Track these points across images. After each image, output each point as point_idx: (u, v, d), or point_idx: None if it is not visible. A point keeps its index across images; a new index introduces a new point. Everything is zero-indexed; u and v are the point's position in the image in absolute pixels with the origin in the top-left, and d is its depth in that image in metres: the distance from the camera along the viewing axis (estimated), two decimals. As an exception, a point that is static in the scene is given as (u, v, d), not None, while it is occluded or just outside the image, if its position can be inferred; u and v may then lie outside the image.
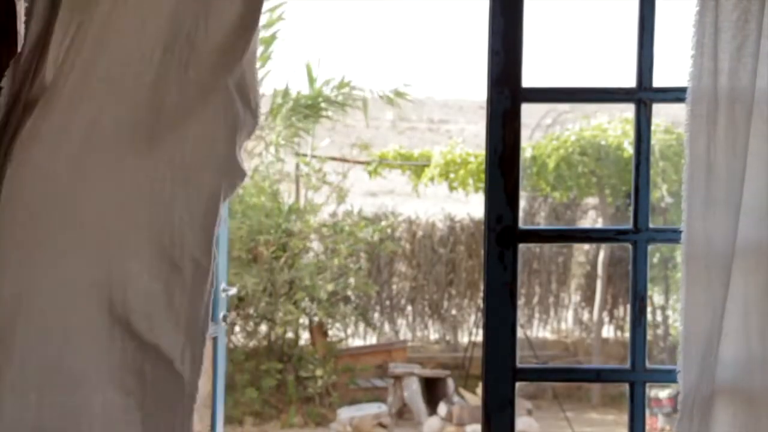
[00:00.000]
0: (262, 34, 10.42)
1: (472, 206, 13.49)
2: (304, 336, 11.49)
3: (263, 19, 10.50)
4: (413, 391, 10.62)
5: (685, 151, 2.43)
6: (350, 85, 11.40)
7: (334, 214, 11.82)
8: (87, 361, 2.22)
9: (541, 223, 13.38)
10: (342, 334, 12.26)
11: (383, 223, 12.29)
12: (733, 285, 2.39)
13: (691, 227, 2.42)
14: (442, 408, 10.19)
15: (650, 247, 2.60)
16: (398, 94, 11.80)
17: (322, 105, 11.21)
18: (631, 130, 11.09)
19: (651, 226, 2.58)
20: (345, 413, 10.02)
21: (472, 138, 18.77)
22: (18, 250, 2.21)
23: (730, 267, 2.39)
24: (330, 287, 10.95)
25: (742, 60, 2.37)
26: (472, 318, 12.81)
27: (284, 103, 11.07)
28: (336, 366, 11.06)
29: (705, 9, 2.38)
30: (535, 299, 13.50)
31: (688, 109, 2.40)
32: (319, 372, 10.75)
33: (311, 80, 11.54)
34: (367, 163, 13.06)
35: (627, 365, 2.59)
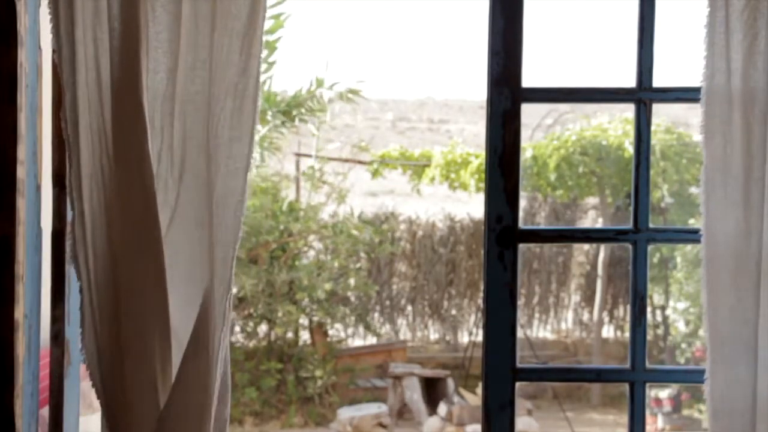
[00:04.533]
0: (266, 38, 10.47)
1: (472, 206, 13.50)
2: (304, 336, 11.50)
3: (266, 24, 10.59)
4: (413, 391, 10.62)
5: (703, 152, 2.41)
6: (323, 85, 11.50)
7: (334, 215, 11.83)
8: None
9: (541, 223, 13.38)
10: (342, 334, 12.26)
11: (384, 226, 12.30)
12: (764, 289, 2.35)
13: (710, 229, 2.39)
14: (442, 408, 10.20)
15: (650, 247, 2.59)
16: (352, 91, 11.86)
17: (293, 112, 11.36)
18: (631, 130, 11.11)
19: (651, 226, 2.57)
20: (345, 413, 10.02)
21: (472, 138, 18.79)
22: None
23: (759, 270, 2.36)
24: (329, 287, 10.96)
25: (753, 59, 2.37)
26: (472, 318, 12.82)
27: (269, 106, 11.18)
28: (336, 366, 11.07)
29: (715, 9, 2.38)
30: (535, 299, 13.51)
31: (702, 109, 2.39)
32: (319, 372, 10.75)
33: (319, 83, 11.56)
34: (369, 164, 13.07)
35: (627, 365, 2.59)
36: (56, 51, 2.38)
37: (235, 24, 2.37)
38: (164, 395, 2.35)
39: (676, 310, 11.48)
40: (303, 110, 11.33)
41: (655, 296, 11.87)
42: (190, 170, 2.39)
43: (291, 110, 11.30)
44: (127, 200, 2.34)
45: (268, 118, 11.09)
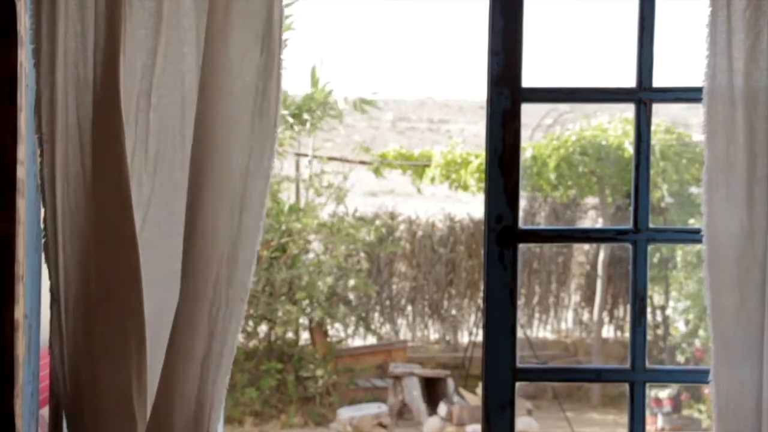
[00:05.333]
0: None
1: (472, 206, 13.50)
2: (304, 336, 11.50)
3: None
4: (413, 391, 10.62)
5: (704, 152, 2.40)
6: (331, 93, 11.52)
7: (333, 214, 11.84)
8: None
9: (541, 223, 13.38)
10: (342, 334, 12.27)
11: (377, 222, 12.29)
12: None
13: (712, 229, 2.38)
14: (442, 408, 10.19)
15: (650, 247, 2.59)
16: (364, 101, 11.94)
17: (305, 116, 11.36)
18: (631, 130, 11.11)
19: (651, 226, 2.57)
20: (345, 413, 10.02)
21: (472, 138, 18.79)
22: None
23: (764, 270, 2.35)
24: (330, 282, 10.96)
25: (755, 58, 2.36)
26: (472, 318, 12.81)
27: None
28: (336, 366, 11.07)
29: (717, 8, 2.37)
30: (535, 299, 13.50)
31: (704, 109, 2.38)
32: (319, 372, 10.75)
33: (314, 82, 11.58)
34: (369, 164, 13.08)
35: (627, 365, 2.59)
36: (35, 47, 2.34)
37: (236, 20, 2.35)
38: (139, 402, 2.28)
39: (676, 310, 11.48)
40: (317, 114, 11.33)
41: (655, 296, 11.86)
42: (165, 166, 2.35)
43: (302, 113, 11.29)
44: (102, 199, 2.30)
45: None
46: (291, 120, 11.20)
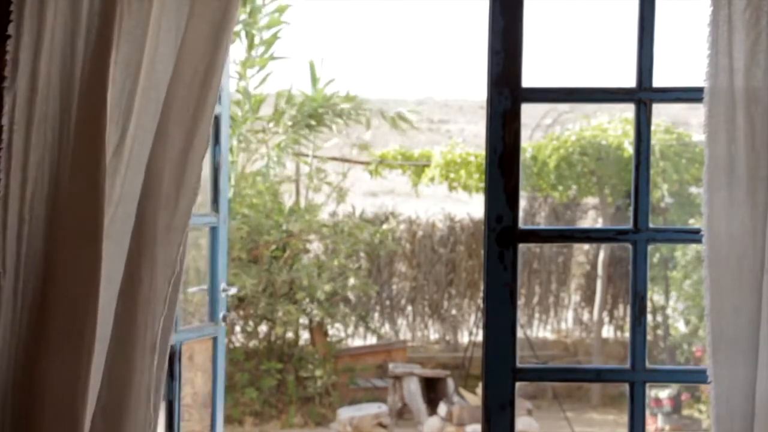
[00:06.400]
0: (264, 35, 10.45)
1: (472, 206, 13.49)
2: (304, 336, 11.49)
3: (264, 20, 10.56)
4: (413, 391, 10.61)
5: (705, 151, 2.40)
6: (356, 99, 11.48)
7: (334, 214, 11.82)
8: None
9: (541, 223, 13.38)
10: (342, 334, 12.26)
11: (385, 226, 12.28)
12: (766, 288, 2.33)
13: (713, 229, 2.37)
14: (442, 408, 10.19)
15: (650, 247, 2.59)
16: (401, 117, 11.95)
17: (326, 119, 11.30)
18: (631, 130, 11.10)
19: (651, 226, 2.57)
20: (345, 413, 10.01)
21: (472, 138, 18.77)
22: None
23: (762, 269, 2.34)
24: (329, 287, 10.95)
25: (756, 57, 2.36)
26: (472, 318, 12.80)
27: (288, 107, 11.12)
28: (336, 366, 11.06)
29: (718, 8, 2.38)
30: (535, 299, 13.49)
31: (705, 108, 2.38)
32: (319, 372, 10.75)
33: (314, 80, 11.56)
34: (368, 163, 13.07)
35: (627, 365, 2.59)
36: (15, 33, 2.30)
37: (205, 14, 2.36)
38: (82, 396, 2.26)
39: (676, 310, 11.47)
40: (344, 119, 11.30)
41: (655, 296, 11.86)
42: (134, 167, 2.36)
43: (321, 115, 11.25)
44: (76, 194, 2.29)
45: (287, 121, 11.03)
46: (309, 120, 11.14)
